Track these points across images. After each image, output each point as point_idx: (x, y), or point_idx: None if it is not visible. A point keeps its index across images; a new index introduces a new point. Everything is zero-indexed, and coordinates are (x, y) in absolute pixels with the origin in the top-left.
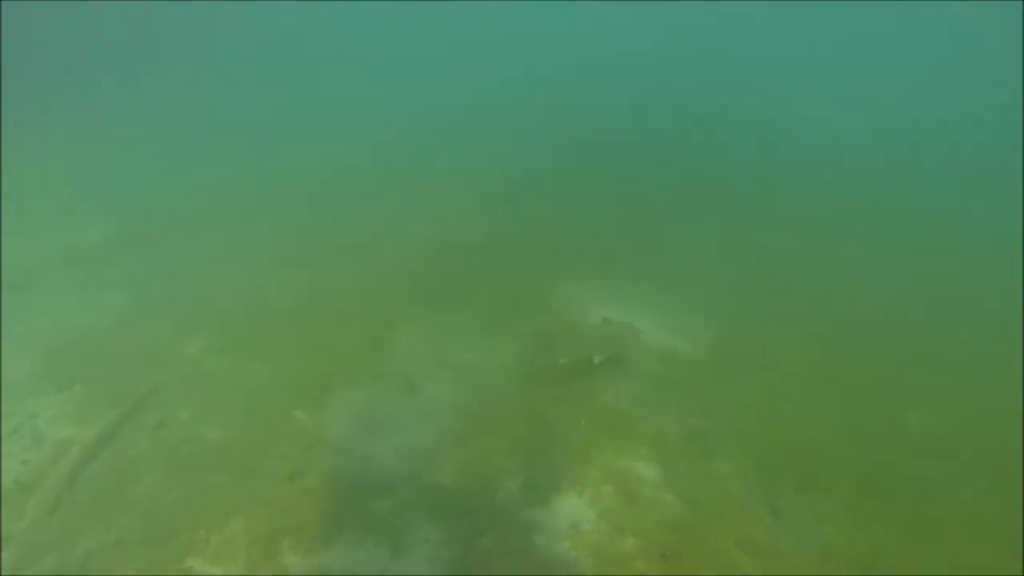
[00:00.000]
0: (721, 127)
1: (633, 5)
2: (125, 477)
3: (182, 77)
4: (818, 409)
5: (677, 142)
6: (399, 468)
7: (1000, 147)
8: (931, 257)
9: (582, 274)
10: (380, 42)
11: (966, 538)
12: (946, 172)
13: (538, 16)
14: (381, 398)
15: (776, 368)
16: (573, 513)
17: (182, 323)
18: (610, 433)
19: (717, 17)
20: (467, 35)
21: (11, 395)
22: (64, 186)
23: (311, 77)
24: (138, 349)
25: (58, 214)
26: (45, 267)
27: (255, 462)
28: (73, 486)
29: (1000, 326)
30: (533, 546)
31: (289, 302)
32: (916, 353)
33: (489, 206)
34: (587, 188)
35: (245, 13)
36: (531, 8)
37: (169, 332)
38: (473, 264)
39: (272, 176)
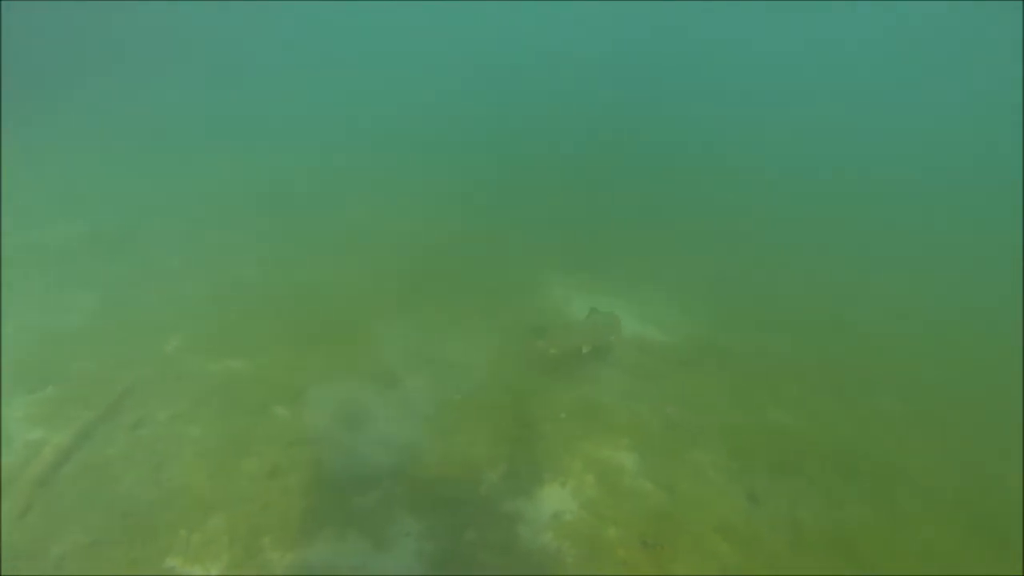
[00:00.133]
0: (706, 127)
1: (627, 5)
2: (102, 478)
3: (150, 76)
4: (793, 397)
5: (661, 140)
6: (381, 462)
7: (985, 149)
8: (902, 250)
9: (564, 269)
10: (361, 42)
11: (935, 520)
12: (910, 166)
13: (522, 12)
14: (362, 392)
15: (752, 358)
16: (556, 503)
17: (158, 322)
18: (592, 423)
19: (703, 14)
20: (447, 33)
21: None
22: (35, 185)
23: (285, 75)
24: (114, 348)
25: (29, 213)
26: (16, 266)
27: (235, 460)
28: (46, 488)
29: (968, 315)
30: (516, 537)
31: (268, 299)
32: (887, 343)
33: (472, 203)
34: (571, 185)
35: (232, 12)
36: (526, 8)
37: (145, 331)
38: (455, 259)
39: (250, 174)
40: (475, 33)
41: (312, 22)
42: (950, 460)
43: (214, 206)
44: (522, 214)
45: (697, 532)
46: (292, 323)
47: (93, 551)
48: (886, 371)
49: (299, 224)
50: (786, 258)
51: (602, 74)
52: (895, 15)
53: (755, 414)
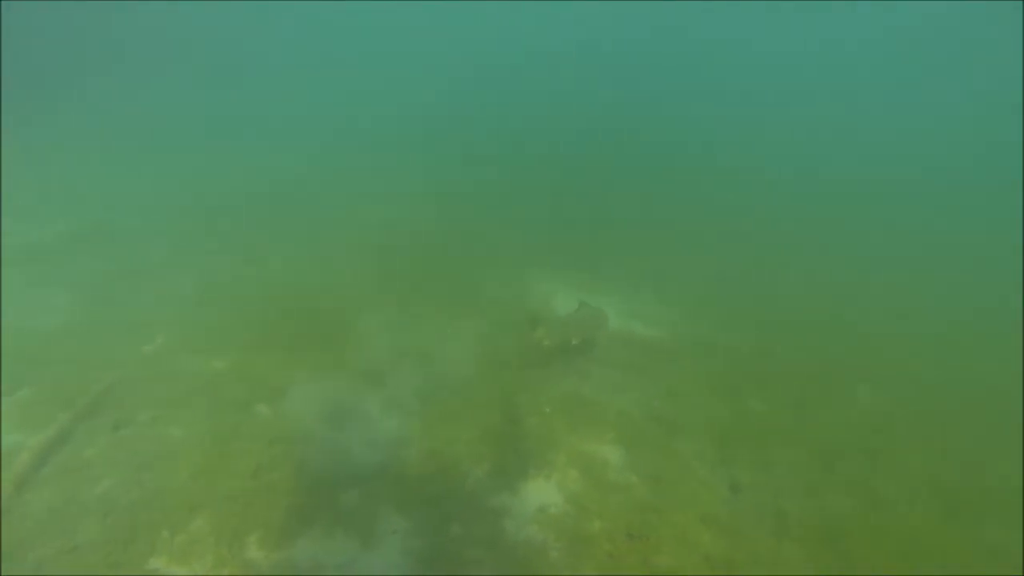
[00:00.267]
0: (705, 127)
1: (627, 5)
2: (82, 480)
3: (149, 76)
4: (774, 389)
5: (660, 140)
6: (366, 459)
7: (984, 150)
8: (902, 250)
9: (558, 267)
10: (361, 42)
11: (914, 507)
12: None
13: (522, 12)
14: (345, 389)
15: (734, 352)
16: (541, 497)
17: (138, 321)
18: (576, 417)
19: (703, 14)
20: (447, 33)
21: None
22: (15, 184)
23: (285, 75)
24: (92, 349)
25: (8, 212)
26: (6, 265)
27: (218, 459)
28: (23, 492)
29: (968, 314)
30: (502, 531)
31: (248, 297)
32: (865, 335)
33: (472, 203)
34: (570, 185)
35: (232, 12)
36: (526, 8)
37: (125, 331)
38: (446, 258)
39: (230, 174)
40: (475, 33)
41: (312, 22)
42: (934, 451)
43: (206, 206)
44: (522, 214)
45: (681, 523)
46: (273, 321)
47: (74, 555)
48: (886, 371)
49: (293, 223)
50: (786, 258)
51: (602, 74)
52: (895, 15)
53: (738, 405)
